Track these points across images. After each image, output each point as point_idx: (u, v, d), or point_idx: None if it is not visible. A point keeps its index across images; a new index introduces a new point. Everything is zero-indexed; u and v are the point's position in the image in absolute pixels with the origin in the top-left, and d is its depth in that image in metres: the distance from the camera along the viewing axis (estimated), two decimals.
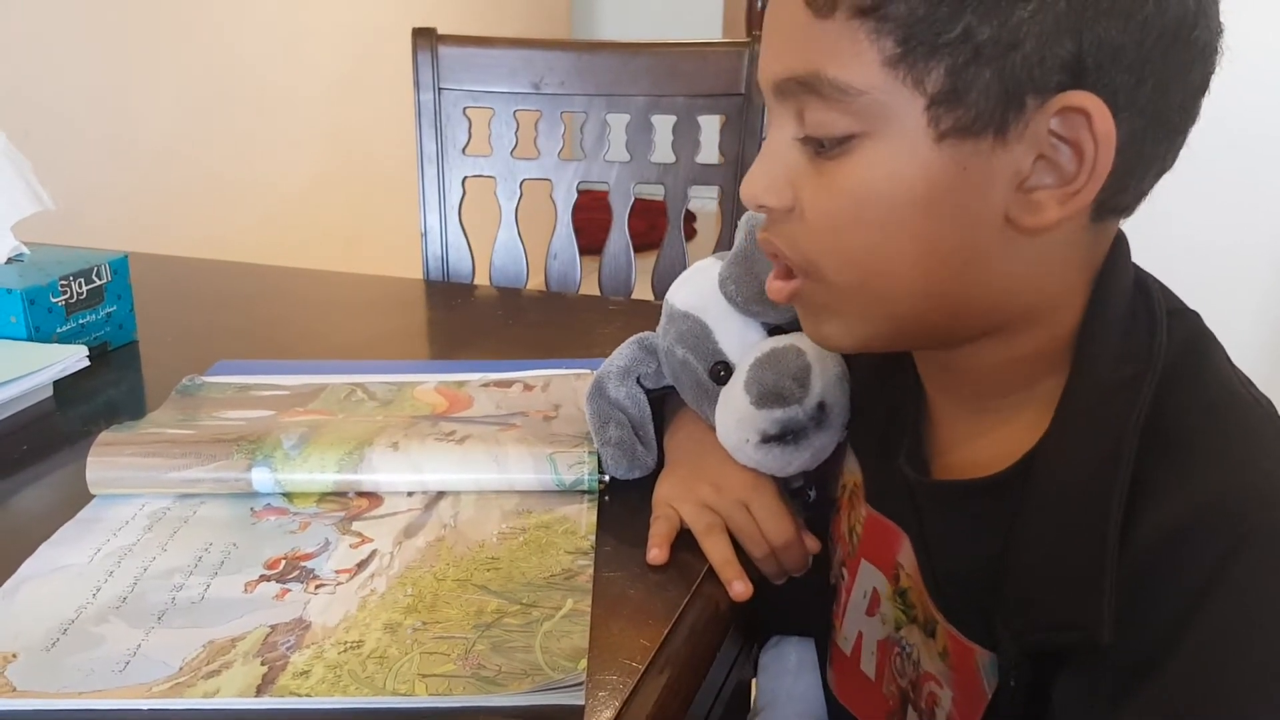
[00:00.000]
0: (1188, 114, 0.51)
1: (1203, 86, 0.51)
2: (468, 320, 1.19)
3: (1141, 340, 0.53)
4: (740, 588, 0.66)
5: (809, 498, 0.76)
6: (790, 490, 0.74)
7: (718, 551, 0.68)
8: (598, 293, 1.40)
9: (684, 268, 1.36)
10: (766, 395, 0.68)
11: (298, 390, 0.91)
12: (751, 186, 0.55)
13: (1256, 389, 0.53)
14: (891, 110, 0.49)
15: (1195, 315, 0.55)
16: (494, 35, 1.45)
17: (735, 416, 0.69)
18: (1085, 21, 0.46)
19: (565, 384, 0.92)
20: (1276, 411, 0.52)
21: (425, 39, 1.41)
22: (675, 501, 0.71)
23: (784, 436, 0.68)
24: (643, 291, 1.34)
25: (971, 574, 0.56)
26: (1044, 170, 0.49)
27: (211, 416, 0.85)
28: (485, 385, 0.92)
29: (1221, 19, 0.50)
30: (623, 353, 0.78)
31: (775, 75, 0.52)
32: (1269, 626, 0.44)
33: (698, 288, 0.75)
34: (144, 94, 1.98)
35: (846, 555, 0.71)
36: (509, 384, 0.93)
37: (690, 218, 3.99)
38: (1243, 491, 0.47)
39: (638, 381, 0.77)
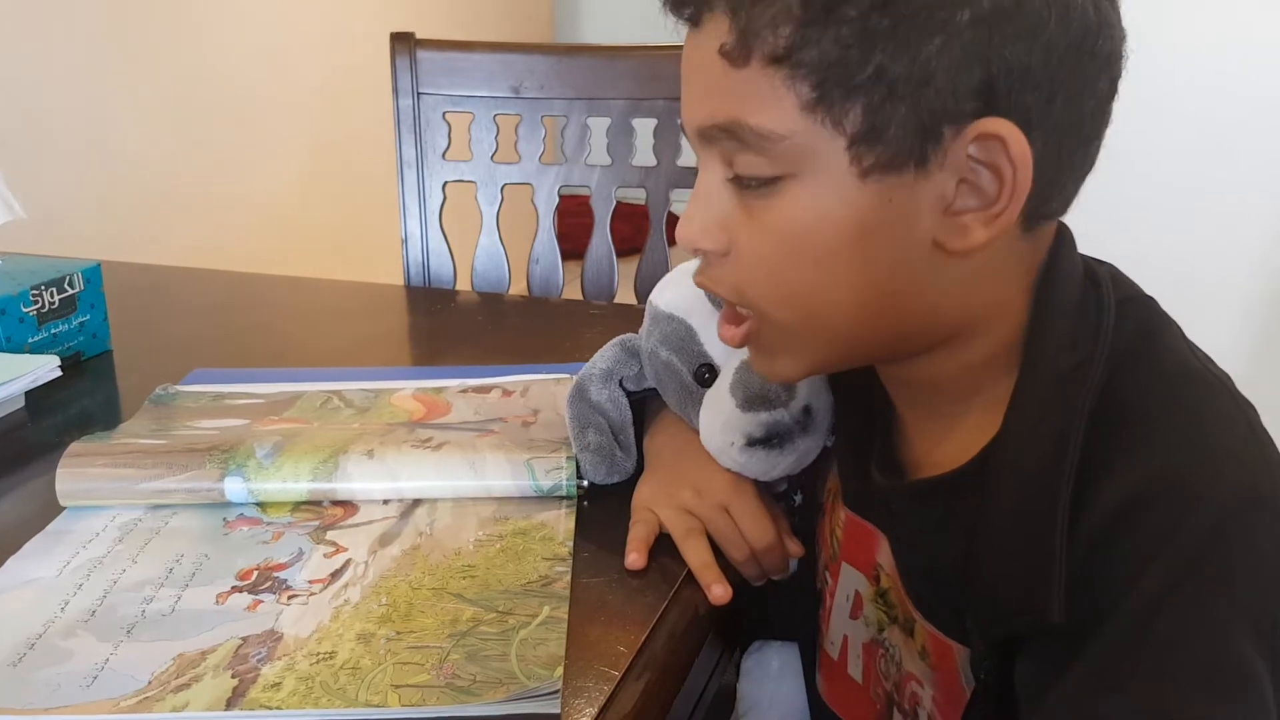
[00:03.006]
0: (1100, 120, 0.53)
1: (1111, 92, 0.52)
2: (449, 326, 1.19)
3: (1089, 329, 0.53)
4: (719, 591, 0.65)
5: (794, 502, 0.76)
6: (775, 495, 0.74)
7: (696, 555, 0.67)
8: (580, 297, 1.39)
9: (667, 271, 1.36)
10: (753, 398, 0.67)
11: (273, 399, 0.90)
12: (688, 230, 0.55)
13: (1213, 364, 0.54)
14: (814, 152, 0.50)
15: (1149, 300, 0.56)
16: (474, 39, 1.45)
17: (720, 419, 0.69)
18: (992, 49, 0.47)
19: (544, 389, 0.91)
20: (1230, 384, 0.53)
21: (403, 44, 1.40)
22: (654, 505, 0.71)
23: (769, 440, 0.68)
24: (625, 296, 1.34)
25: (943, 571, 0.56)
26: (967, 194, 0.50)
27: (185, 426, 0.84)
28: (463, 391, 0.92)
29: (1124, 25, 0.51)
30: (605, 354, 0.77)
31: (697, 122, 0.53)
32: (1213, 589, 0.45)
33: (682, 289, 0.74)
34: (121, 101, 1.97)
35: (829, 559, 0.71)
36: (487, 389, 0.92)
37: (673, 220, 3.99)
38: (1191, 460, 0.48)
39: (620, 384, 0.77)
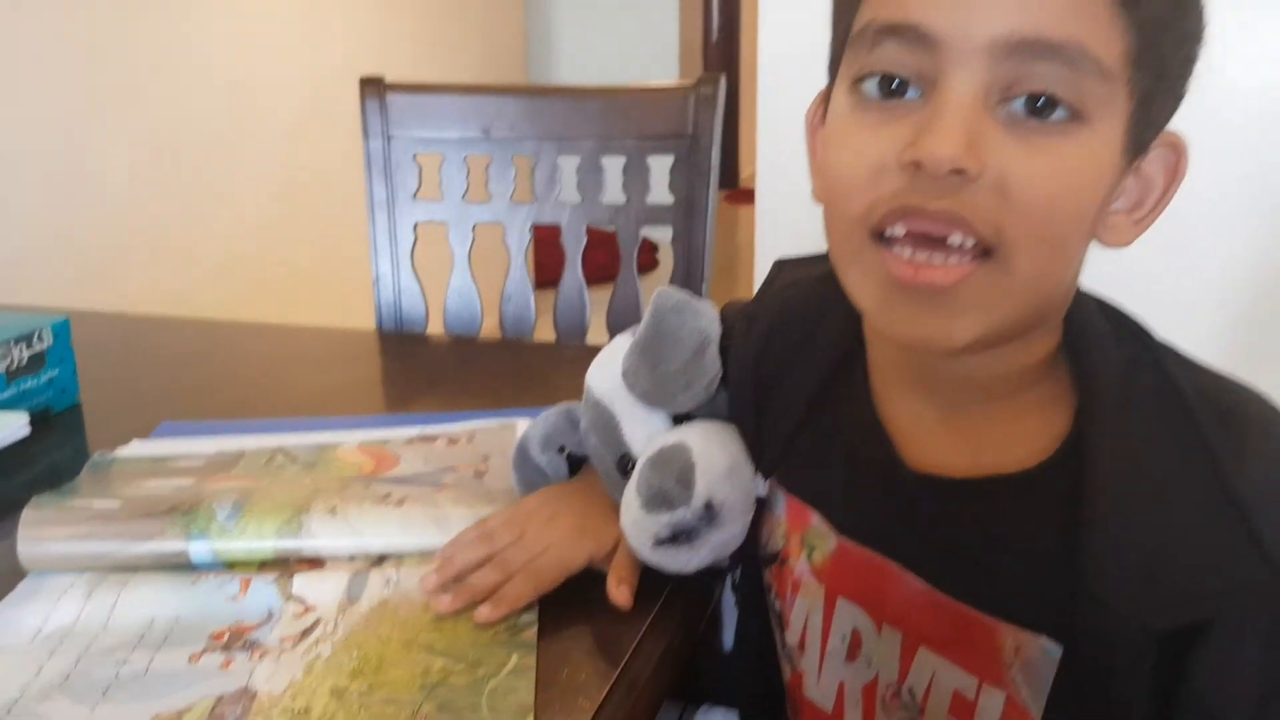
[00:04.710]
0: None
1: None
2: (421, 370, 1.20)
3: (1109, 325, 0.56)
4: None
5: (734, 580, 0.75)
6: (716, 572, 0.73)
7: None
8: (553, 331, 1.40)
9: (638, 304, 1.37)
10: (653, 499, 0.66)
11: (214, 459, 0.89)
12: (949, 145, 0.48)
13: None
14: (1113, 105, 0.49)
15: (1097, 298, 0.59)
16: (447, 81, 1.47)
17: (630, 519, 0.68)
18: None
19: (490, 436, 0.92)
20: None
21: (374, 88, 1.41)
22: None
23: (676, 539, 0.66)
24: (598, 328, 1.35)
25: (1027, 566, 0.55)
26: (1128, 193, 0.54)
27: (134, 486, 0.84)
28: (409, 441, 0.92)
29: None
30: (547, 419, 0.78)
31: (1015, 32, 0.48)
32: None
33: (609, 373, 0.73)
34: (91, 146, 1.98)
35: (810, 605, 0.68)
36: (433, 439, 0.92)
37: (652, 248, 4.01)
38: None
39: (560, 449, 0.77)
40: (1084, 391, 0.55)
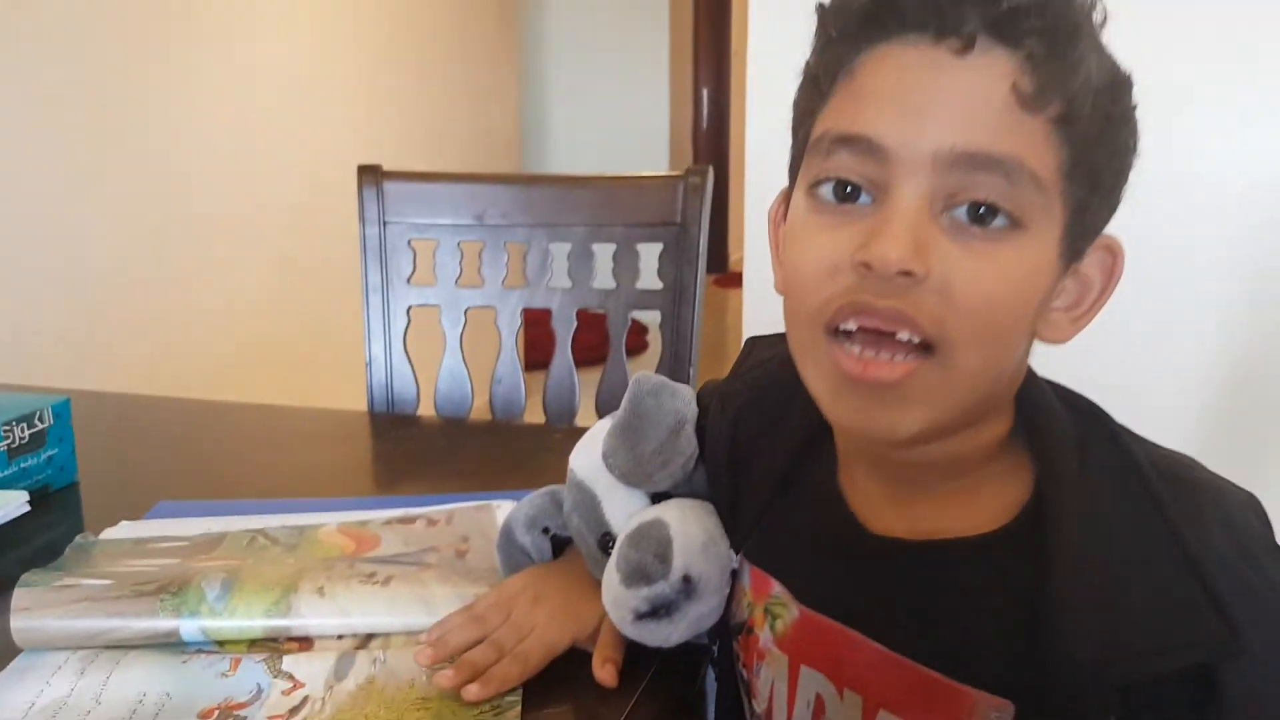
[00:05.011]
0: None
1: None
2: (411, 451, 1.21)
3: (1063, 404, 0.60)
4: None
5: (713, 653, 0.76)
6: (696, 646, 0.74)
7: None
8: (543, 412, 1.42)
9: (627, 386, 1.40)
10: (633, 574, 0.68)
11: (196, 542, 0.90)
12: (898, 249, 0.52)
13: None
14: (1048, 213, 0.53)
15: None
16: (444, 168, 1.51)
17: (611, 595, 0.70)
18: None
19: (468, 516, 0.94)
20: None
21: (371, 175, 1.45)
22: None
23: (656, 613, 0.68)
24: (587, 410, 1.37)
25: (987, 626, 0.57)
26: (1067, 292, 0.58)
27: (121, 565, 0.84)
28: (388, 523, 0.93)
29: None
30: (532, 501, 0.80)
31: (958, 146, 0.52)
32: None
33: (591, 455, 0.75)
34: (91, 225, 2.02)
35: (775, 674, 0.70)
36: (412, 520, 0.94)
37: (641, 330, 4.05)
38: (1251, 502, 0.55)
39: (544, 531, 0.79)
40: (1042, 461, 0.58)
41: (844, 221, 0.55)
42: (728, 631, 0.74)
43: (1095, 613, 0.53)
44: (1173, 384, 1.71)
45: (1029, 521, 0.57)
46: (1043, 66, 0.52)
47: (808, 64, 0.60)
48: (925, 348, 0.54)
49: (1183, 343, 1.69)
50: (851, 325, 0.55)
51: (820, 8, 0.58)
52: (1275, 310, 1.67)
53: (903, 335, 0.54)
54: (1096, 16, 0.54)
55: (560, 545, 0.80)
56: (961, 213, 0.53)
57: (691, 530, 0.69)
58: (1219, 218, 1.65)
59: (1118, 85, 0.55)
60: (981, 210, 0.52)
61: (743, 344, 0.85)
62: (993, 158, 0.52)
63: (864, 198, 0.55)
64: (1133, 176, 0.57)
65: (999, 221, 0.52)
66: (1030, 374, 0.61)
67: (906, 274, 0.52)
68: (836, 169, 0.55)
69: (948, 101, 0.52)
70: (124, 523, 0.95)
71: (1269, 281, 1.66)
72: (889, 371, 0.54)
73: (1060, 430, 0.58)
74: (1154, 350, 1.69)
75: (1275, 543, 0.54)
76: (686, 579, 0.68)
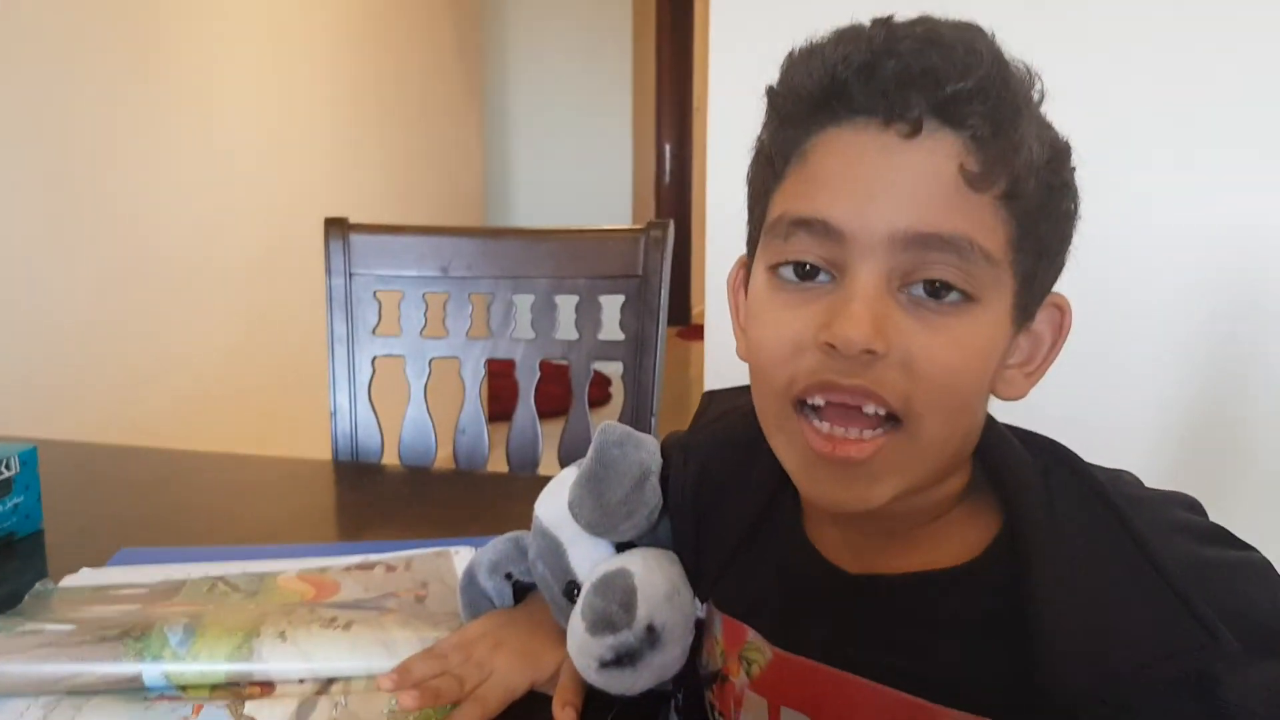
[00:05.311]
0: None
1: None
2: (374, 499, 1.22)
3: (1020, 442, 0.63)
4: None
5: (677, 701, 0.77)
6: (658, 694, 0.75)
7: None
8: (506, 462, 1.44)
9: (589, 437, 1.41)
10: (598, 623, 0.69)
11: (156, 588, 0.90)
12: (861, 330, 0.54)
13: None
14: (999, 285, 0.56)
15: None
16: (410, 220, 1.53)
17: (576, 643, 0.71)
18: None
19: (427, 562, 0.95)
20: None
21: (337, 228, 1.47)
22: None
23: (620, 661, 0.69)
24: (550, 460, 1.38)
25: (967, 651, 0.58)
26: (1020, 350, 0.60)
27: (81, 612, 0.85)
28: (348, 569, 0.94)
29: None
30: (496, 546, 0.81)
31: (911, 228, 0.54)
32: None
33: (556, 503, 0.76)
34: (57, 273, 2.01)
35: (755, 718, 0.70)
36: (370, 566, 0.95)
37: (604, 382, 4.07)
38: (1188, 499, 0.60)
39: (507, 576, 0.80)
40: (1009, 493, 0.60)
41: (805, 299, 0.58)
42: (696, 680, 0.75)
43: (1082, 635, 0.55)
44: (1134, 420, 1.77)
45: (1000, 554, 0.59)
46: (987, 147, 0.54)
47: (761, 141, 0.63)
48: (892, 419, 0.56)
49: (1140, 382, 1.76)
50: (819, 400, 0.57)
51: (770, 90, 0.61)
52: (1226, 347, 1.73)
53: (869, 409, 0.56)
54: (1035, 95, 0.57)
55: (522, 591, 0.82)
56: (918, 289, 0.55)
57: (656, 580, 0.71)
58: (1174, 262, 1.73)
59: (1058, 156, 0.58)
60: (936, 285, 0.55)
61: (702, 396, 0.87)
62: (944, 238, 0.54)
63: (822, 275, 0.57)
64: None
65: (953, 296, 0.55)
66: (988, 420, 0.64)
67: (869, 352, 0.54)
68: (796, 252, 0.58)
69: (899, 184, 0.55)
70: (85, 569, 0.95)
71: (1219, 322, 1.73)
72: (858, 450, 0.56)
73: (1023, 468, 0.61)
74: (1113, 387, 1.75)
75: (1218, 526, 0.58)
76: (650, 628, 0.69)
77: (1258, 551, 0.57)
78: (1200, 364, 1.76)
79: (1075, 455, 0.62)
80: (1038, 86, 0.57)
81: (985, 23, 0.57)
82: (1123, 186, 1.73)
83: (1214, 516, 0.59)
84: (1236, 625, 0.52)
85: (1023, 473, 0.61)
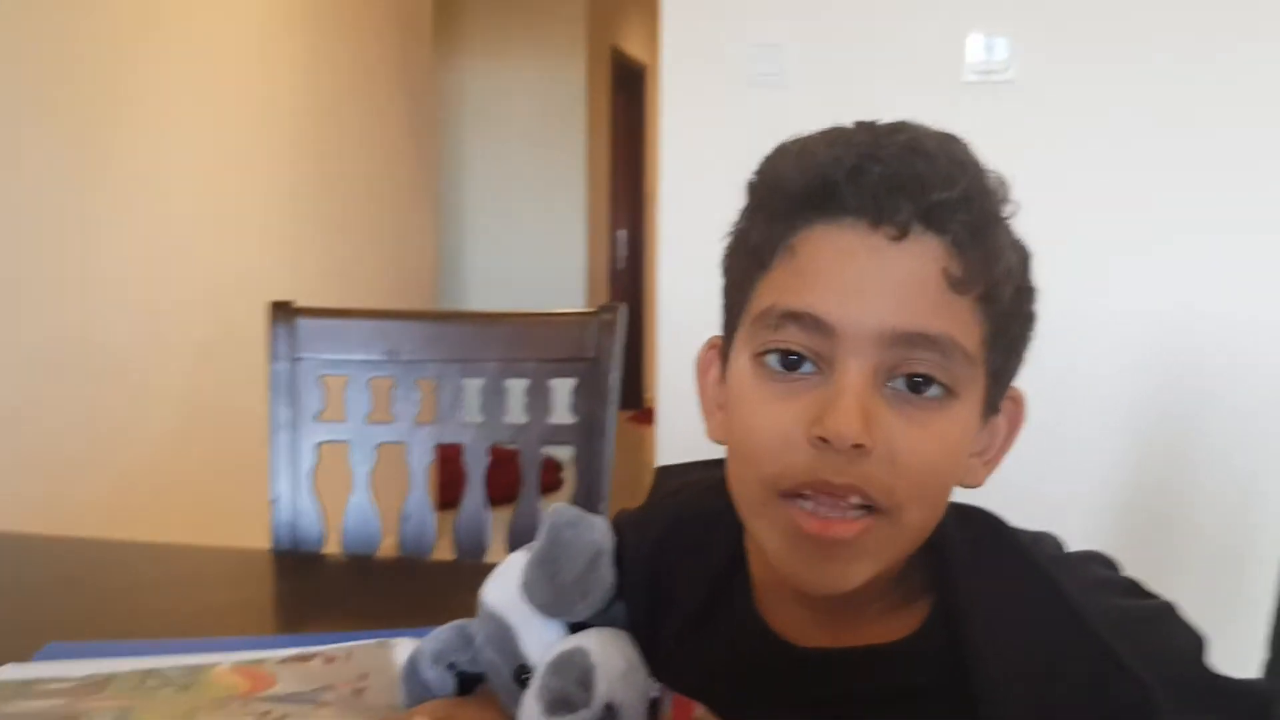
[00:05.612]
0: None
1: None
2: (315, 591, 1.19)
3: (954, 515, 0.64)
4: None
5: None
6: None
7: None
8: (453, 550, 1.40)
9: (539, 523, 1.39)
10: (555, 703, 0.67)
11: (84, 682, 0.87)
12: (852, 426, 0.56)
13: None
14: (974, 381, 0.60)
15: None
16: (359, 302, 1.51)
17: None
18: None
19: (368, 653, 0.92)
20: None
21: (283, 312, 1.45)
22: None
23: None
24: (498, 548, 1.35)
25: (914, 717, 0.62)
26: (976, 441, 0.63)
27: (7, 706, 0.81)
28: (285, 661, 0.91)
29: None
30: (439, 635, 0.78)
31: (899, 326, 0.57)
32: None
33: (505, 587, 0.75)
34: None
35: None
36: (309, 657, 0.92)
37: (556, 467, 4.04)
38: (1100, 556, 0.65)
39: (450, 666, 0.78)
40: (942, 566, 0.63)
41: (792, 392, 0.59)
42: None
43: (1024, 701, 0.58)
44: (1079, 488, 1.81)
45: (937, 626, 0.62)
46: (968, 252, 0.58)
47: (741, 231, 0.65)
48: (873, 507, 0.59)
49: (1084, 453, 1.80)
50: (808, 493, 0.59)
51: (752, 184, 0.63)
52: (1168, 422, 1.79)
53: (854, 500, 0.58)
54: (1008, 209, 0.61)
55: (466, 682, 0.79)
56: (900, 383, 0.58)
57: (612, 658, 0.69)
58: (1120, 339, 1.79)
59: (1024, 262, 0.62)
60: (918, 380, 0.58)
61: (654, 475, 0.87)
62: (929, 337, 0.57)
63: (807, 366, 0.59)
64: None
65: (934, 391, 0.58)
66: None
67: (859, 447, 0.56)
68: (785, 341, 0.59)
69: (888, 284, 0.57)
70: (9, 665, 0.90)
71: (1161, 393, 1.79)
72: (846, 530, 0.58)
73: (952, 539, 0.64)
74: (1058, 458, 1.79)
75: (1130, 579, 0.63)
76: (609, 707, 0.67)
77: (1164, 598, 0.62)
78: (1141, 438, 1.79)
79: (1001, 521, 0.65)
80: (1010, 200, 0.61)
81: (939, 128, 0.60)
82: (1073, 270, 1.78)
83: (1157, 583, 0.63)
84: (1164, 675, 0.56)
85: (952, 544, 0.64)
